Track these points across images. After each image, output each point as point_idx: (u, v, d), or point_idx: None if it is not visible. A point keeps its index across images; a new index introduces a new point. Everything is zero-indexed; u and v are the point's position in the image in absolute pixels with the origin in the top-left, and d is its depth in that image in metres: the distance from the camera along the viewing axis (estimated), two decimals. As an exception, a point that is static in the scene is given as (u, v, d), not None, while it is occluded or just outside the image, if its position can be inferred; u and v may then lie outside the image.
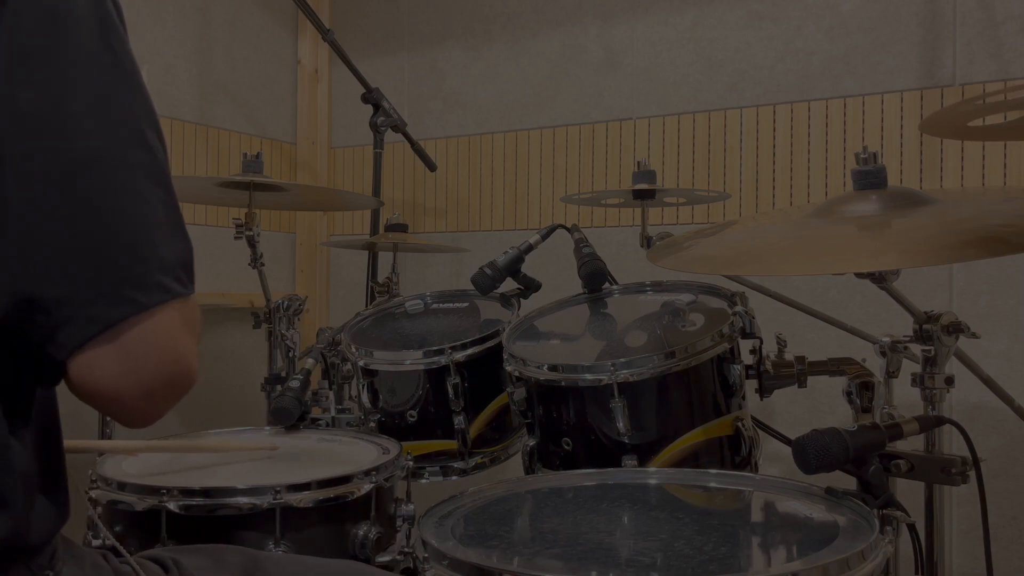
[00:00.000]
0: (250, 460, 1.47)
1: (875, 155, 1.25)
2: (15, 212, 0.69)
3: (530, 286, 1.84)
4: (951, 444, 1.28)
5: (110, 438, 1.83)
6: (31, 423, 0.77)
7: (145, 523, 1.22)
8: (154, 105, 0.78)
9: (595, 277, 1.73)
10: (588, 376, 1.41)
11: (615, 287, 1.76)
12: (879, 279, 1.27)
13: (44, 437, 0.79)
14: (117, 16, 0.77)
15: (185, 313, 0.76)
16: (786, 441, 1.51)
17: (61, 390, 0.80)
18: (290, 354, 1.95)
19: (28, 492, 0.76)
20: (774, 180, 2.33)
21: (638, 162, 1.84)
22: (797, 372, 1.51)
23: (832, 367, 1.48)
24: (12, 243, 0.69)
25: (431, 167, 2.55)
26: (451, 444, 1.68)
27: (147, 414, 0.77)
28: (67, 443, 0.84)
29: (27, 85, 0.70)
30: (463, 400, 1.65)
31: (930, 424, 1.21)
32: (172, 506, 1.20)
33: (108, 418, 1.83)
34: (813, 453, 1.08)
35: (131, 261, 0.72)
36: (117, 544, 0.91)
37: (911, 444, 1.21)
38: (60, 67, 0.71)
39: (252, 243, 1.94)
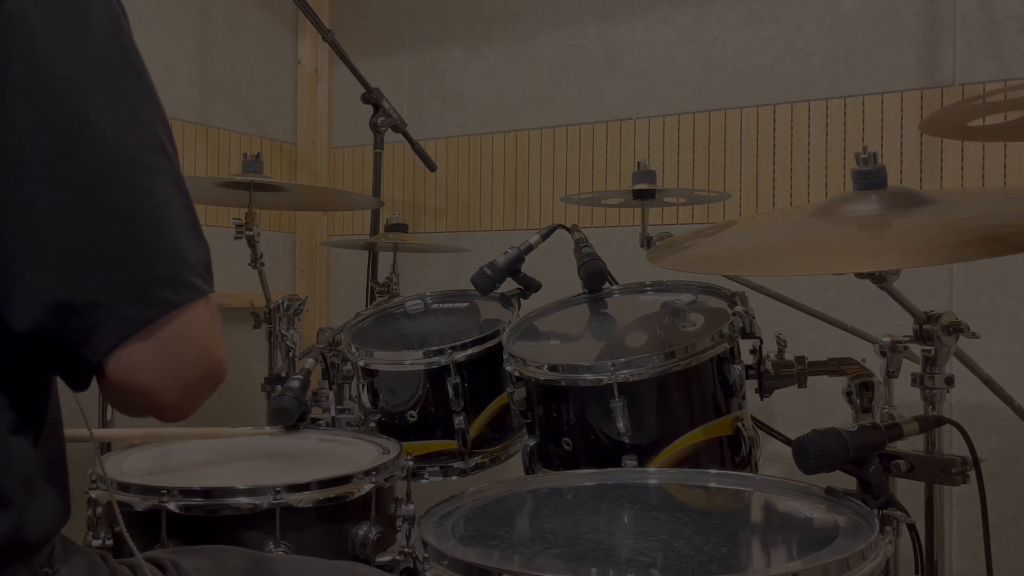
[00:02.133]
0: (251, 459, 1.46)
1: (875, 155, 1.25)
2: (42, 218, 0.70)
3: (530, 286, 1.84)
4: (951, 444, 1.28)
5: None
6: (33, 423, 0.78)
7: (145, 523, 1.21)
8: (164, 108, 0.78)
9: (595, 277, 1.73)
10: (588, 376, 1.41)
11: (615, 287, 1.76)
12: (879, 279, 1.27)
13: (46, 436, 0.79)
14: (124, 18, 0.77)
15: (211, 309, 0.78)
16: (786, 441, 1.51)
17: (61, 389, 0.80)
18: (290, 354, 1.95)
19: (29, 491, 0.76)
20: (774, 180, 2.32)
21: (638, 162, 1.84)
22: (797, 372, 1.51)
23: (832, 367, 1.48)
24: (41, 249, 0.70)
25: (431, 167, 2.55)
26: (451, 444, 1.67)
27: (185, 407, 0.79)
28: (68, 432, 0.85)
29: (48, 91, 0.70)
30: (463, 400, 1.65)
31: (930, 424, 1.21)
32: (172, 506, 1.20)
33: (109, 416, 1.83)
34: (813, 453, 1.08)
35: (161, 262, 0.74)
36: (128, 539, 0.91)
37: (911, 444, 1.21)
38: (80, 74, 0.72)
39: (252, 243, 1.94)
